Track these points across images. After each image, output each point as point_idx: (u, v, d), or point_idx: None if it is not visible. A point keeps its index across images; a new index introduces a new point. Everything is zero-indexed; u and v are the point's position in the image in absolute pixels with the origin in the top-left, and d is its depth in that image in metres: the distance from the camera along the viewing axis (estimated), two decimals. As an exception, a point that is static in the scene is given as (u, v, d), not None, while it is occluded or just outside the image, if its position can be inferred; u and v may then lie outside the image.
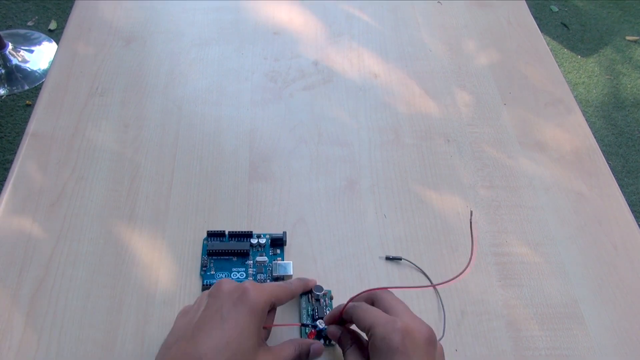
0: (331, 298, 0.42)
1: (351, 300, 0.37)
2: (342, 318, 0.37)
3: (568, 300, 0.44)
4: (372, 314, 0.33)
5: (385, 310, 0.34)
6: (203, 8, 0.65)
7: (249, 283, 0.34)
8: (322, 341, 0.39)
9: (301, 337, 0.40)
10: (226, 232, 0.44)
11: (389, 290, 0.37)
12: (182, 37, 0.61)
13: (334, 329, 0.38)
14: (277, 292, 0.36)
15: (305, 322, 0.40)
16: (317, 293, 0.41)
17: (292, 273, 0.42)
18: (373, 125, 0.55)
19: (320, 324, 0.39)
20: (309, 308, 0.41)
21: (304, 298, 0.41)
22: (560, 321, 0.43)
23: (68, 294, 0.41)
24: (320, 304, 0.41)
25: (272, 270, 0.42)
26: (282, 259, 0.44)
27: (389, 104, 0.57)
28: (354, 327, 0.38)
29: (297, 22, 0.65)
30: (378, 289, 0.36)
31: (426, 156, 0.53)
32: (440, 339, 0.40)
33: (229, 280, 0.35)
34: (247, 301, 0.33)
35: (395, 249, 0.46)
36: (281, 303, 0.38)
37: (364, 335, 0.35)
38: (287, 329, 0.41)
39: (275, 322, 0.39)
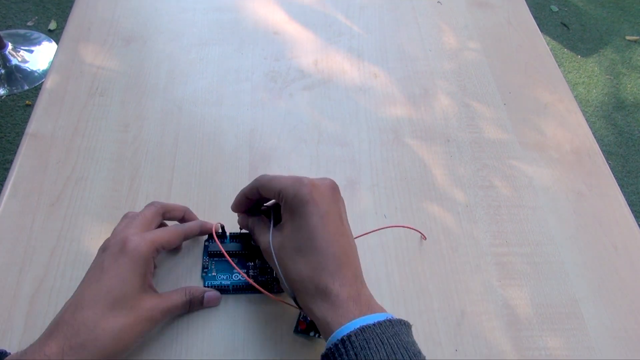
0: None
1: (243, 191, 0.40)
2: (247, 198, 0.40)
3: (568, 300, 0.44)
4: (279, 180, 0.37)
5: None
6: (203, 8, 0.65)
7: (132, 232, 0.37)
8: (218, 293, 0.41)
9: (297, 321, 0.40)
10: (227, 234, 0.44)
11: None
12: (182, 37, 0.61)
13: (241, 219, 0.41)
14: (164, 237, 0.38)
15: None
16: None
17: None
18: (373, 125, 0.55)
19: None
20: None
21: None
22: (560, 321, 0.43)
23: (68, 294, 0.41)
24: None
25: (274, 271, 0.42)
26: None
27: (389, 104, 0.57)
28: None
29: (297, 22, 0.65)
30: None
31: (426, 156, 0.53)
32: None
33: (116, 234, 0.37)
34: (127, 252, 0.35)
35: (395, 249, 0.46)
36: (172, 246, 0.39)
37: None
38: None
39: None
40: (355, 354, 0.30)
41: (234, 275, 0.42)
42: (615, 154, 1.56)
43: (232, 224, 0.46)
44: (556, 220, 0.49)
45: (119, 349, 0.33)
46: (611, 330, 0.42)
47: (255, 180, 0.39)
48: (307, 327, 0.39)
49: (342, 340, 0.30)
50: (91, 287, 0.34)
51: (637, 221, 0.50)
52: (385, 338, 0.30)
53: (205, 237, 0.45)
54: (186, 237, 0.41)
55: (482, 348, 0.41)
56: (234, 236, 0.44)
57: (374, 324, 0.31)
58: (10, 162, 0.47)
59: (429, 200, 0.49)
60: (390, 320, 0.32)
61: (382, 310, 0.34)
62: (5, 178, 0.48)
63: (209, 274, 0.42)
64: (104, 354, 0.32)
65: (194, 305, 0.40)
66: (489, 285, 0.44)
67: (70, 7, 0.64)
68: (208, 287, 0.41)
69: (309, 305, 0.34)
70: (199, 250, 0.44)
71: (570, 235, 0.48)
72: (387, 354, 0.29)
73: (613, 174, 0.53)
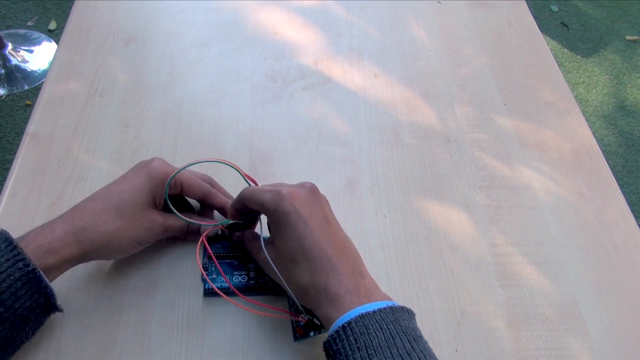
0: None
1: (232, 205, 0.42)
2: (237, 210, 0.41)
3: (568, 300, 0.44)
4: (260, 193, 0.38)
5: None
6: (203, 8, 0.65)
7: (158, 159, 0.40)
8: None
9: (293, 329, 0.40)
10: (227, 235, 0.44)
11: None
12: (182, 37, 0.61)
13: (236, 235, 0.43)
14: (185, 175, 0.41)
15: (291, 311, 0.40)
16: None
17: None
18: (373, 125, 0.55)
19: (302, 320, 0.39)
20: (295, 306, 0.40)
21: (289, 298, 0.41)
22: (560, 321, 0.43)
23: (68, 294, 0.41)
24: None
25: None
26: None
27: (389, 104, 0.57)
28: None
29: (297, 22, 0.65)
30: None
31: (426, 156, 0.53)
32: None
33: (150, 158, 0.41)
34: (147, 167, 0.39)
35: (395, 249, 0.46)
36: (190, 190, 0.42)
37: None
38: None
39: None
40: (355, 339, 0.30)
41: (234, 277, 0.42)
42: (615, 154, 1.56)
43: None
44: (556, 220, 0.49)
45: (113, 245, 0.37)
46: (611, 330, 0.42)
47: (240, 193, 0.40)
48: (305, 330, 0.39)
49: (343, 327, 0.31)
50: (109, 187, 0.39)
51: (637, 221, 0.50)
52: (385, 324, 0.31)
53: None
54: (207, 198, 0.42)
55: (482, 348, 0.41)
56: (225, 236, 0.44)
57: (373, 311, 0.32)
58: (10, 162, 0.47)
59: (428, 200, 0.49)
60: (391, 307, 0.32)
61: (385, 298, 0.34)
62: (5, 178, 0.48)
63: (210, 276, 0.42)
64: (100, 243, 0.36)
65: (190, 234, 0.42)
66: (489, 285, 0.44)
67: (70, 7, 0.64)
68: (208, 289, 0.41)
69: (314, 309, 0.35)
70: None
71: (570, 235, 0.48)
72: (385, 339, 0.30)
73: (613, 174, 0.53)
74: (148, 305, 0.41)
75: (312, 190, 0.38)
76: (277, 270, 0.36)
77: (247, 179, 0.42)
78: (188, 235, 0.43)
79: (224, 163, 0.41)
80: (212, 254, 0.41)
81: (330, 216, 0.38)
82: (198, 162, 0.40)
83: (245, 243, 0.42)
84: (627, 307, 0.44)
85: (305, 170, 0.51)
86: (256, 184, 0.42)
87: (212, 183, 0.45)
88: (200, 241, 0.39)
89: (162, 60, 0.59)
